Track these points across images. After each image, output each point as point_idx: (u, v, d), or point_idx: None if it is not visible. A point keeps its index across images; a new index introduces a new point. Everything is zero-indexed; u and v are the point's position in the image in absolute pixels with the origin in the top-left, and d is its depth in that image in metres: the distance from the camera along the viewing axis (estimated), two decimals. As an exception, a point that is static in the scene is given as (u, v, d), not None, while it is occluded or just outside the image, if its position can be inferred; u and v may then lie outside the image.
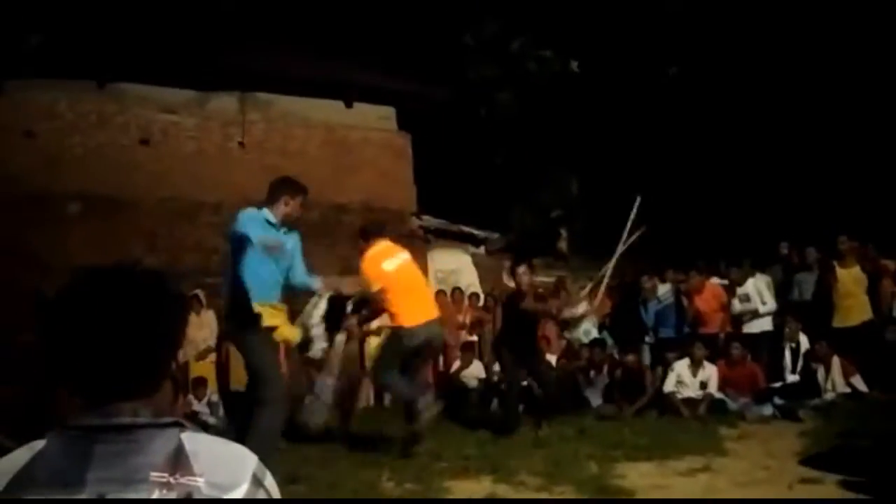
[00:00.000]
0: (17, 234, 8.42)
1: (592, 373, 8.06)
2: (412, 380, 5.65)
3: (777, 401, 7.20)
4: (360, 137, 10.72)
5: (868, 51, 11.87)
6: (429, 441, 5.84)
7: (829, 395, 7.35)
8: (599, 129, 14.09)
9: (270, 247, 4.48)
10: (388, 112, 11.12)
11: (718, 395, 7.45)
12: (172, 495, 0.98)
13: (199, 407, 7.63)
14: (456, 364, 9.05)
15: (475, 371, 8.84)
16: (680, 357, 7.80)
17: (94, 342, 1.04)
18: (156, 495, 0.98)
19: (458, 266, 11.60)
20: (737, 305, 8.19)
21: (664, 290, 8.90)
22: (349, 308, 5.32)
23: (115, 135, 9.38)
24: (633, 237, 8.67)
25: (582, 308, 8.88)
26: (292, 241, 4.73)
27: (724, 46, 13.06)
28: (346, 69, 10.91)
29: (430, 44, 13.33)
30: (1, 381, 6.57)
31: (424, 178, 11.25)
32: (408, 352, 5.42)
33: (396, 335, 5.49)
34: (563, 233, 15.29)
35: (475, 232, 12.13)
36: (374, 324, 8.87)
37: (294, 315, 4.99)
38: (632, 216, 8.13)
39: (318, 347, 4.97)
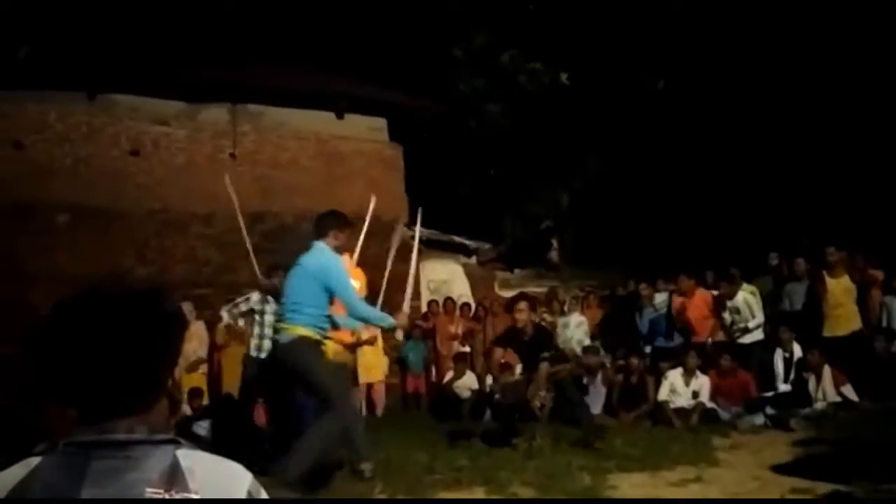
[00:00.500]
0: (5, 245, 8.37)
1: (586, 380, 8.06)
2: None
3: (769, 410, 7.23)
4: (352, 149, 10.74)
5: (855, 66, 12.00)
6: (421, 453, 5.82)
7: (820, 405, 7.39)
8: (589, 140, 14.17)
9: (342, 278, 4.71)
10: (380, 123, 11.14)
11: (710, 404, 7.47)
12: None
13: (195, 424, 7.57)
14: (449, 374, 9.04)
15: (468, 382, 8.84)
16: (674, 366, 7.83)
17: (89, 360, 1.05)
18: None
19: (449, 276, 11.61)
20: (728, 318, 8.23)
21: (660, 298, 8.95)
22: None
23: (105, 146, 9.36)
24: None
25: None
26: None
27: (712, 60, 13.18)
28: (338, 80, 10.94)
29: (422, 56, 13.38)
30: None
31: (416, 189, 11.26)
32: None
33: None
34: (554, 243, 15.34)
35: (467, 242, 12.15)
36: (366, 334, 8.87)
37: None
38: None
39: None
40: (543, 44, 13.95)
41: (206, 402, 7.85)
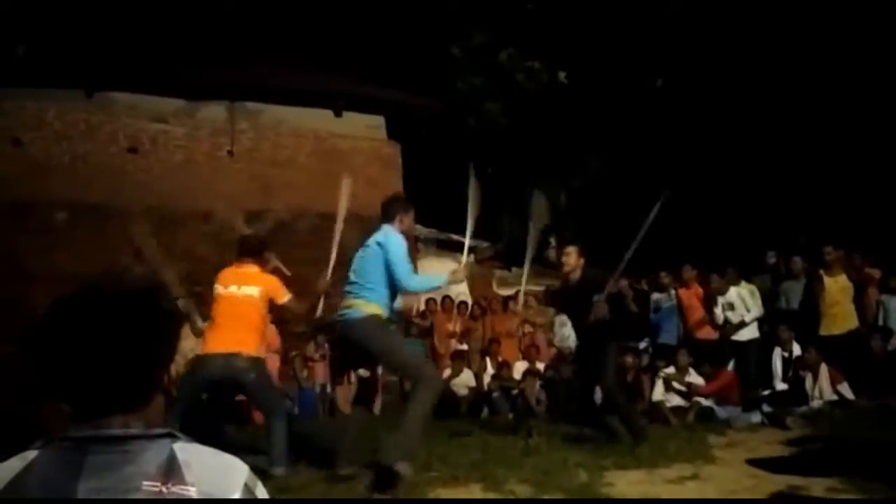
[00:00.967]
0: (3, 242, 8.37)
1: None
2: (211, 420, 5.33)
3: (765, 408, 7.25)
4: (350, 146, 10.74)
5: (853, 64, 12.01)
6: (418, 450, 5.83)
7: (817, 403, 7.41)
8: (588, 139, 14.18)
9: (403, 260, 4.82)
10: (378, 121, 11.15)
11: (706, 402, 7.48)
12: None
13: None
14: (446, 372, 9.05)
15: (465, 379, 8.85)
16: (667, 364, 7.85)
17: (85, 357, 1.05)
18: None
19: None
20: (719, 314, 8.25)
21: (671, 292, 8.95)
22: None
23: (103, 144, 9.36)
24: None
25: None
26: None
27: (710, 58, 13.19)
28: (336, 79, 10.95)
29: (420, 54, 13.39)
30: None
31: (414, 188, 11.27)
32: (197, 382, 5.20)
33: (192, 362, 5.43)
34: (552, 242, 15.34)
35: (465, 240, 12.13)
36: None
37: None
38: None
39: None
40: (542, 42, 13.96)
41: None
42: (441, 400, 8.20)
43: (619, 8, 13.64)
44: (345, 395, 8.87)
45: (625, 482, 5.01)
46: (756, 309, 8.19)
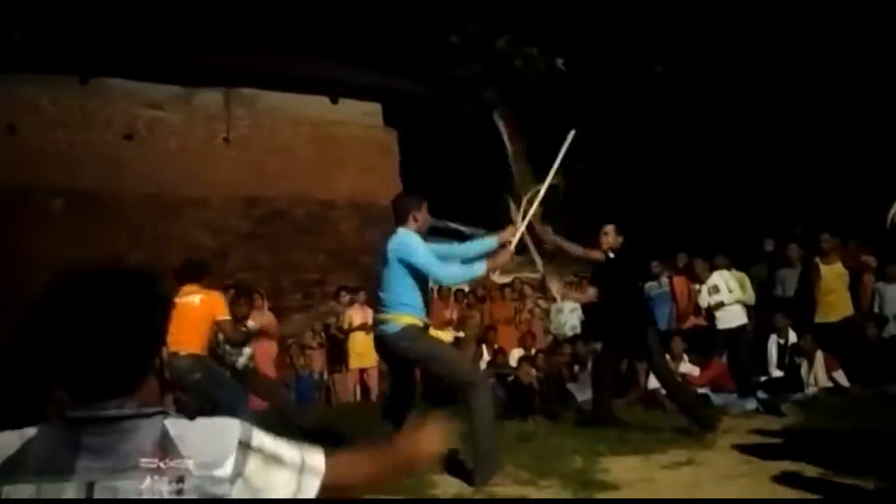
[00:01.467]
0: (-1, 229, 8.35)
1: (577, 367, 8.09)
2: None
3: (760, 395, 7.28)
4: (346, 133, 10.70)
5: (851, 52, 11.98)
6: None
7: (812, 390, 7.44)
8: (584, 126, 14.13)
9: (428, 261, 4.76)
10: (374, 108, 11.10)
11: (702, 390, 7.51)
12: (164, 479, 1.04)
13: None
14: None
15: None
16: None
17: (79, 343, 1.07)
18: (147, 481, 1.03)
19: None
20: (705, 297, 8.26)
21: (664, 279, 8.98)
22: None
23: (98, 130, 9.31)
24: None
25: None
26: None
27: (709, 44, 13.14)
28: (332, 65, 10.89)
29: (417, 40, 13.31)
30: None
31: (410, 175, 11.24)
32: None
33: None
34: (550, 229, 15.31)
35: (462, 228, 12.15)
36: (358, 320, 8.90)
37: None
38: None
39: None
40: (539, 29, 13.89)
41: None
42: (437, 387, 8.26)
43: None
44: (344, 383, 8.90)
45: (620, 468, 5.03)
46: (740, 293, 8.18)
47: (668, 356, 7.70)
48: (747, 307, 8.41)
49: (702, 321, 8.36)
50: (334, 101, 10.71)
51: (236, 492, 1.09)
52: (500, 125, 4.75)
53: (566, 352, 8.26)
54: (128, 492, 1.02)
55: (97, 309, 1.09)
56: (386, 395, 5.59)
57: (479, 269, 4.85)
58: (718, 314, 8.20)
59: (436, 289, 10.16)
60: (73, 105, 9.24)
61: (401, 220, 4.84)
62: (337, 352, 8.86)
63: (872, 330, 7.86)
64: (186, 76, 9.75)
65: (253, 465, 1.12)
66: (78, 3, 9.45)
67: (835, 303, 8.01)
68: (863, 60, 11.84)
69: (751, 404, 7.21)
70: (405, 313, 4.66)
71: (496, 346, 8.90)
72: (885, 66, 11.49)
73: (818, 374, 7.50)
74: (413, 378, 5.16)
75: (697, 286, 8.36)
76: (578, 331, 8.95)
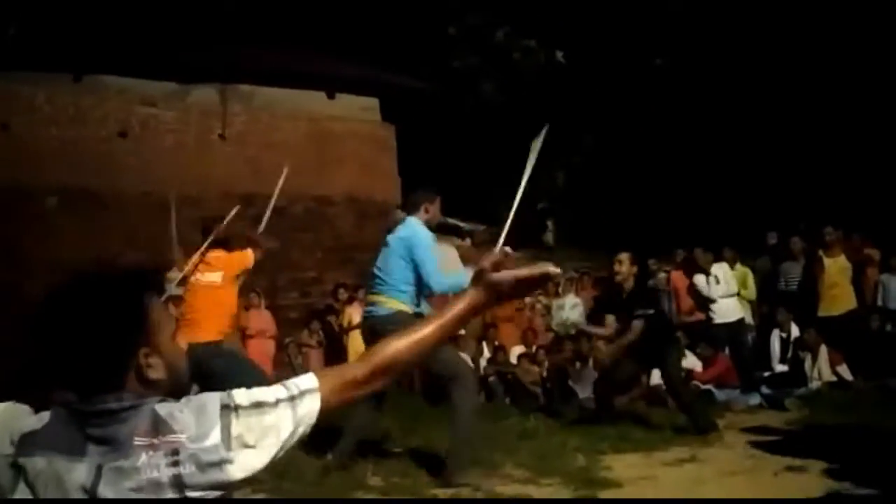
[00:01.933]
0: (-8, 228, 8.28)
1: (579, 364, 8.02)
2: None
3: (764, 390, 7.21)
4: (344, 129, 10.62)
5: (852, 42, 11.89)
6: (415, 435, 5.79)
7: (816, 384, 7.37)
8: (585, 119, 14.06)
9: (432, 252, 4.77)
10: (372, 103, 11.02)
11: (705, 385, 7.44)
12: (160, 454, 1.13)
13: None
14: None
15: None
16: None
17: (75, 347, 1.16)
18: (143, 458, 1.12)
19: (443, 258, 11.52)
20: (713, 288, 8.16)
21: (662, 275, 8.91)
22: None
23: (93, 128, 9.23)
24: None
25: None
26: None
27: (709, 36, 13.06)
28: (329, 60, 10.81)
29: (414, 34, 13.22)
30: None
31: (409, 170, 11.16)
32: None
33: None
34: (550, 224, 15.26)
35: (461, 224, 12.06)
36: (357, 318, 8.83)
37: None
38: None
39: None
40: (538, 21, 13.79)
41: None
42: (436, 384, 8.20)
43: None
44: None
45: (622, 465, 4.98)
46: (735, 288, 8.10)
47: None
48: (749, 302, 8.34)
49: (703, 315, 8.29)
50: (331, 96, 10.63)
51: (233, 453, 1.17)
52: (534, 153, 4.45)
53: (568, 348, 8.18)
54: (129, 470, 1.12)
55: (86, 314, 1.17)
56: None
57: (466, 280, 4.82)
58: (714, 308, 8.14)
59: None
60: (67, 102, 9.15)
61: (412, 209, 4.87)
62: (335, 350, 8.80)
63: (876, 323, 7.79)
64: (181, 72, 9.67)
65: (239, 422, 1.19)
66: (72, 0, 9.37)
67: (838, 296, 7.93)
68: (865, 52, 11.76)
69: (754, 399, 7.15)
70: (398, 299, 4.66)
71: (497, 344, 8.83)
72: (887, 58, 11.41)
73: (822, 369, 7.43)
74: None
75: (698, 277, 8.26)
76: (580, 327, 8.88)
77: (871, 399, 6.73)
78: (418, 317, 4.74)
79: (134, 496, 1.11)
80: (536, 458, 5.13)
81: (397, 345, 1.34)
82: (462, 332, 9.50)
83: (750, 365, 7.82)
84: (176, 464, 1.13)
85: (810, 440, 5.41)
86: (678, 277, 8.61)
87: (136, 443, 1.13)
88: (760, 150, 12.80)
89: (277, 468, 4.40)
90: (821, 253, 8.05)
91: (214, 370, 4.95)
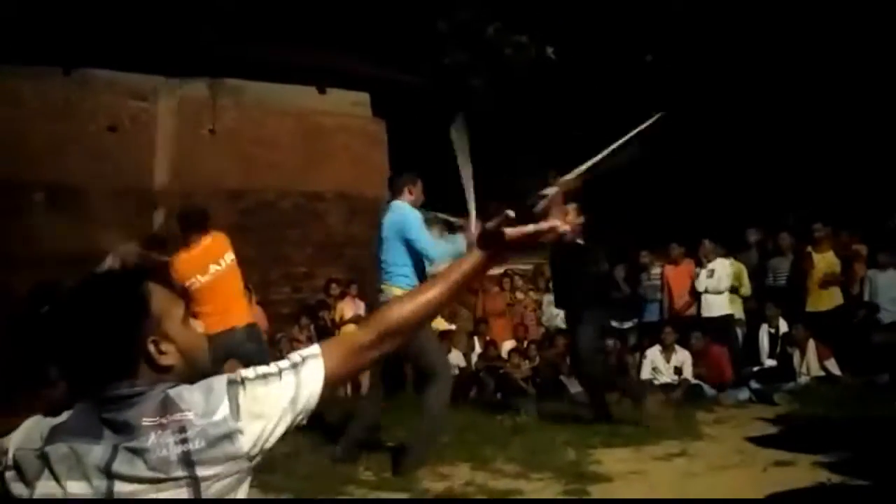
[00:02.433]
0: (-20, 223, 8.20)
1: (570, 359, 8.05)
2: None
3: (753, 385, 7.26)
4: (334, 124, 10.57)
5: (842, 37, 11.95)
6: (405, 430, 5.79)
7: (804, 379, 7.43)
8: (577, 116, 14.07)
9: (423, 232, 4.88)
10: (363, 98, 10.97)
11: (694, 380, 7.48)
12: (168, 432, 1.16)
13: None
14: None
15: (453, 359, 8.80)
16: (651, 343, 7.84)
17: (81, 345, 1.22)
18: (152, 437, 1.16)
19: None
20: (703, 280, 8.25)
21: (656, 269, 8.93)
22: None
23: (81, 122, 9.14)
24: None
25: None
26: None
27: (698, 32, 13.09)
28: (320, 54, 10.74)
29: (405, 29, 13.17)
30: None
31: (400, 165, 11.12)
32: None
33: None
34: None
35: (451, 219, 12.03)
36: (349, 313, 8.82)
37: None
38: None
39: None
40: (529, 17, 13.77)
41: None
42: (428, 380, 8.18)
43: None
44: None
45: (612, 460, 5.00)
46: (728, 283, 8.18)
47: (658, 347, 7.68)
48: (743, 299, 8.41)
49: (694, 311, 8.35)
50: (322, 90, 10.57)
51: (242, 423, 1.20)
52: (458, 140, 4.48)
53: (560, 343, 8.21)
54: (140, 451, 1.15)
55: (87, 308, 1.23)
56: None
57: (462, 244, 4.91)
58: (702, 301, 8.22)
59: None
60: (56, 96, 9.06)
61: (396, 194, 5.02)
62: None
63: (862, 317, 7.85)
64: (171, 66, 9.59)
65: (246, 393, 1.23)
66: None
67: (826, 292, 8.00)
68: (855, 48, 11.82)
69: (743, 394, 7.20)
70: (397, 285, 4.74)
71: (488, 339, 8.85)
72: (876, 56, 11.47)
73: (810, 364, 7.49)
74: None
75: (696, 270, 8.33)
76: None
77: (859, 394, 6.79)
78: None
79: (149, 475, 1.15)
80: (527, 452, 5.15)
81: (402, 308, 1.36)
82: (453, 326, 9.52)
83: (739, 360, 7.88)
84: (184, 441, 1.16)
85: (799, 435, 5.45)
86: (673, 272, 8.65)
87: (145, 423, 1.17)
88: (748, 146, 12.85)
89: (268, 463, 4.41)
90: (809, 249, 8.11)
91: (244, 353, 5.04)
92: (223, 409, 1.20)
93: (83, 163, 8.94)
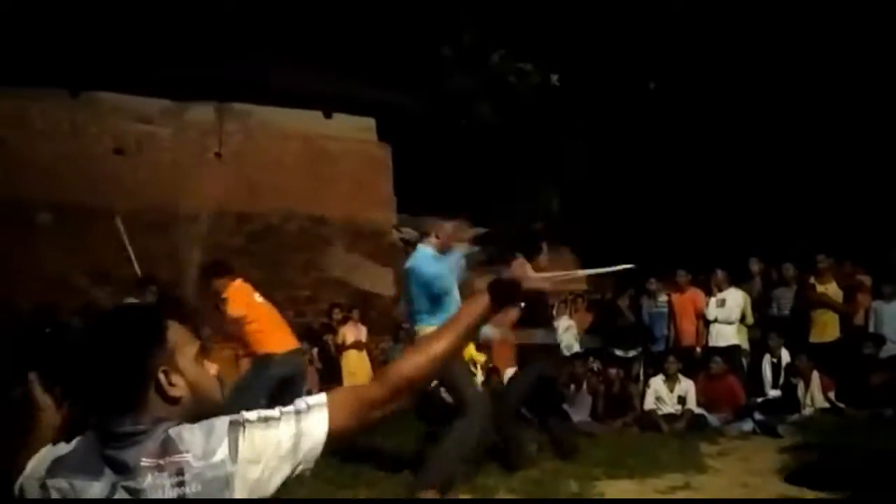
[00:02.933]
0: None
1: (573, 387, 8.00)
2: None
3: (757, 416, 7.19)
4: (340, 148, 10.64)
5: (845, 69, 12.02)
6: (405, 459, 5.74)
7: (808, 411, 7.37)
8: (580, 142, 14.14)
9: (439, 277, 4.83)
10: (368, 123, 11.06)
11: (699, 410, 7.42)
12: (165, 474, 1.17)
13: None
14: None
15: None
16: (655, 373, 7.80)
17: (89, 375, 1.24)
18: (149, 479, 1.16)
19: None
20: (713, 309, 8.22)
21: (662, 297, 8.91)
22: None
23: (88, 144, 9.22)
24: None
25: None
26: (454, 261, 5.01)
27: (703, 61, 13.18)
28: (326, 79, 10.84)
29: (410, 54, 13.29)
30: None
31: (405, 190, 11.17)
32: (273, 380, 5.51)
33: (264, 362, 5.62)
34: (544, 247, 15.23)
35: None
36: (351, 338, 8.80)
37: None
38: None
39: None
40: (534, 44, 13.90)
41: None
42: (429, 406, 8.14)
43: (612, 9, 13.61)
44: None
45: (615, 491, 4.95)
46: (737, 312, 8.16)
47: (662, 376, 7.64)
48: (746, 328, 8.38)
49: (701, 340, 8.32)
50: (328, 115, 10.66)
51: (239, 467, 1.19)
52: None
53: (565, 371, 8.16)
54: (137, 491, 1.16)
55: (109, 335, 1.25)
56: None
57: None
58: (714, 330, 8.19)
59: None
60: (63, 118, 9.15)
61: (422, 237, 5.07)
62: (329, 370, 8.76)
63: (868, 349, 7.80)
64: (178, 90, 9.68)
65: (246, 436, 1.22)
66: (68, 15, 9.38)
67: (829, 323, 7.98)
68: (859, 81, 11.88)
69: (747, 425, 7.13)
70: (423, 325, 4.76)
71: (491, 366, 8.81)
72: (880, 87, 11.53)
73: (815, 395, 7.43)
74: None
75: (707, 299, 8.32)
76: (574, 349, 8.86)
77: (864, 426, 6.73)
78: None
79: None
80: (530, 483, 5.10)
81: (412, 362, 1.34)
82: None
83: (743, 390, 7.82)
84: (181, 484, 1.16)
85: (804, 468, 5.39)
86: (679, 300, 8.61)
87: (144, 464, 1.17)
88: (753, 176, 12.88)
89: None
90: (812, 280, 8.10)
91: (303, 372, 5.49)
92: (222, 451, 1.19)
93: (89, 184, 9.00)
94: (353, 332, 8.84)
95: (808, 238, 9.52)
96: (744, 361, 8.37)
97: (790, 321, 8.27)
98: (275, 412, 1.26)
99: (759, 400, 7.57)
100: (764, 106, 12.82)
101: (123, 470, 1.18)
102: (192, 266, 9.20)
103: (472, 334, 1.40)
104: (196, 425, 1.24)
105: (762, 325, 8.39)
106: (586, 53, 13.92)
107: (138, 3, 10.38)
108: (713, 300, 8.29)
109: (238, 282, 5.77)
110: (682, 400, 7.50)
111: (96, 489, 1.17)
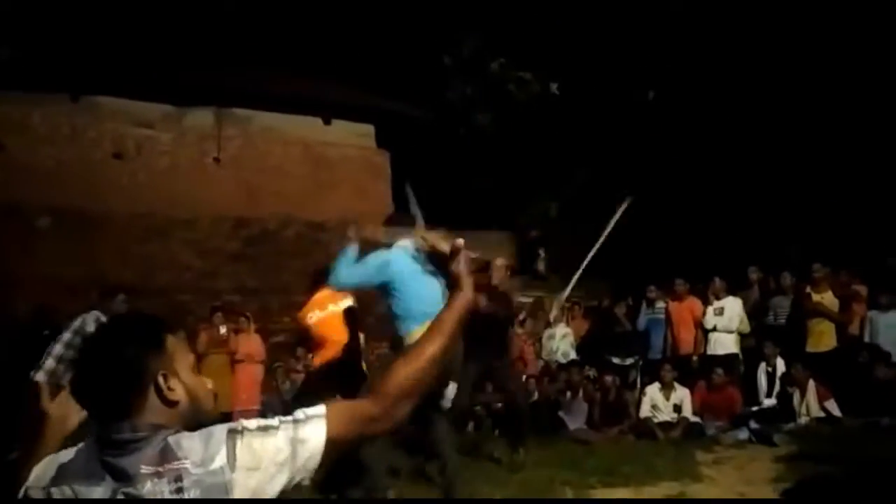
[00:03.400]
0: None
1: (569, 394, 8.00)
2: None
3: (753, 425, 7.19)
4: (338, 155, 10.67)
5: (843, 78, 12.06)
6: (402, 466, 5.73)
7: (804, 420, 7.36)
8: (579, 151, 14.17)
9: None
10: (367, 129, 11.09)
11: (694, 418, 7.42)
12: (164, 481, 1.18)
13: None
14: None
15: (450, 393, 8.74)
16: (651, 381, 7.80)
17: (91, 383, 1.27)
18: (148, 485, 1.18)
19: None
20: (711, 318, 8.22)
21: (661, 304, 8.91)
22: None
23: (87, 148, 9.25)
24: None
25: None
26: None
27: (701, 71, 13.23)
28: (325, 86, 10.88)
29: (410, 62, 13.33)
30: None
31: (403, 197, 11.17)
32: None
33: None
34: (542, 253, 15.26)
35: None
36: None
37: None
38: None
39: None
40: (534, 53, 13.95)
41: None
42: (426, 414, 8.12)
43: (611, 18, 13.67)
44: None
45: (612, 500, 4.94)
46: (737, 321, 8.17)
47: (658, 384, 7.64)
48: (742, 336, 8.38)
49: (698, 349, 8.31)
50: (327, 121, 10.69)
51: (238, 474, 1.20)
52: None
53: (562, 378, 8.17)
54: (137, 497, 1.18)
55: (111, 339, 1.29)
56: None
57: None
58: (712, 339, 8.18)
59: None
60: (63, 123, 9.18)
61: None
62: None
63: (864, 359, 7.79)
64: (177, 95, 9.71)
65: (244, 443, 1.23)
66: (69, 21, 9.41)
67: (825, 332, 7.97)
68: (857, 91, 11.92)
69: (743, 434, 7.13)
70: (419, 324, 4.60)
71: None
72: (877, 96, 11.57)
73: (810, 404, 7.42)
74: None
75: (705, 307, 8.32)
76: (570, 357, 8.86)
77: (860, 436, 6.72)
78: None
79: None
80: (525, 491, 5.09)
81: (406, 369, 1.34)
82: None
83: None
84: (180, 490, 1.18)
85: (800, 477, 5.38)
86: (677, 309, 8.61)
87: (143, 471, 1.19)
88: (751, 185, 12.91)
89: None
90: (808, 289, 8.10)
91: None
92: (220, 458, 1.21)
93: (88, 189, 9.02)
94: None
95: (805, 247, 9.54)
96: (739, 371, 8.36)
97: (787, 330, 8.26)
98: (274, 421, 1.27)
99: (755, 409, 7.57)
100: (762, 116, 12.86)
101: (123, 477, 1.20)
102: (188, 271, 9.22)
103: (459, 329, 1.41)
104: (195, 433, 1.25)
105: (758, 334, 8.39)
106: (585, 62, 13.97)
107: (138, 9, 10.42)
108: (710, 309, 8.30)
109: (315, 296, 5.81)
110: (677, 408, 7.51)
111: (97, 494, 1.19)
